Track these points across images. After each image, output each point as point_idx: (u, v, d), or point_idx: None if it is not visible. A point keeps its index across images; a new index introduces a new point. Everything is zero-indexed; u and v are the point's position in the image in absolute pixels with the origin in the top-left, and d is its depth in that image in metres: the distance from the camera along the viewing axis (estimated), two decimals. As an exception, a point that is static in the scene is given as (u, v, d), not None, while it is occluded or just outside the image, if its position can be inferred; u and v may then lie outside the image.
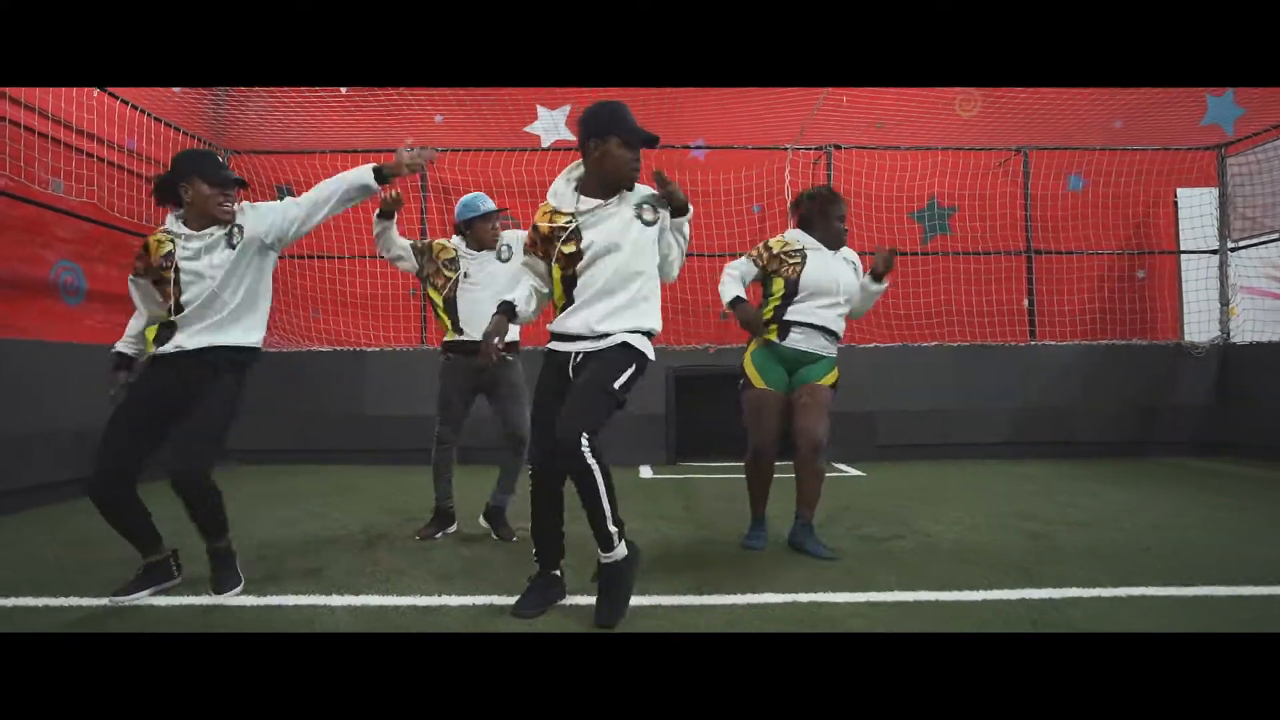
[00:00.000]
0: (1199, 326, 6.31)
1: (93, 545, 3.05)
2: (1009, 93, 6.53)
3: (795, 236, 3.03)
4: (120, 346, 2.55)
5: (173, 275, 2.34)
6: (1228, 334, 6.18)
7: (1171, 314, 6.63)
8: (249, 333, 2.44)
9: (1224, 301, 6.22)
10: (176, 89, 5.92)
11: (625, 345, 2.13)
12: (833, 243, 3.00)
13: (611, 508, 2.07)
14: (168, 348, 2.37)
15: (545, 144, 6.68)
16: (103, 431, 2.35)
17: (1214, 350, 6.13)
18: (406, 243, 3.31)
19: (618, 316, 2.14)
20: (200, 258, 2.35)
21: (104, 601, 2.29)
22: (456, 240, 3.31)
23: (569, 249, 2.15)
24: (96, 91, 4.83)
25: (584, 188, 2.20)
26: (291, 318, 6.47)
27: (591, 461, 2.01)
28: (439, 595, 2.37)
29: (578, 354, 2.17)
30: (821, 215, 2.99)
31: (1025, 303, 6.44)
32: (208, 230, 2.38)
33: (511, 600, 2.24)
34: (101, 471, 2.29)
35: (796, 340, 2.93)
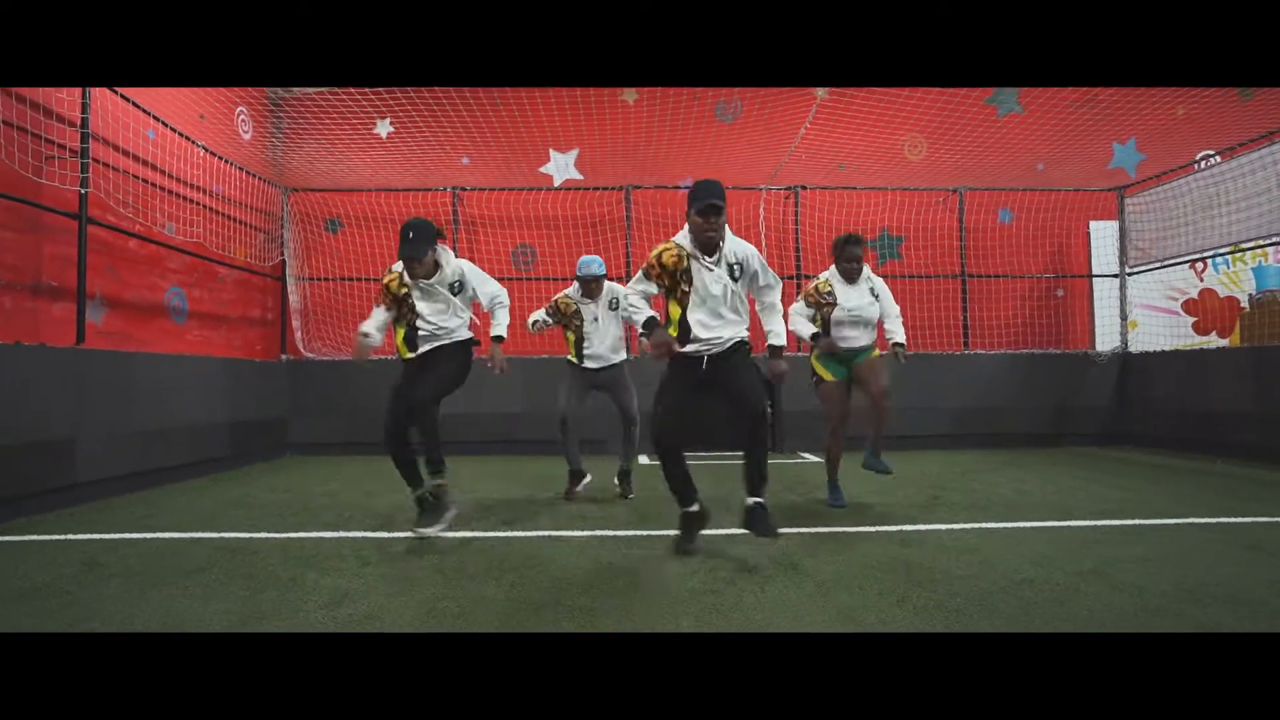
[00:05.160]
0: (1107, 338, 7.53)
1: (245, 503, 4.17)
2: (950, 139, 7.77)
3: (828, 277, 4.15)
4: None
5: None
6: (1126, 344, 7.40)
7: (1084, 327, 7.85)
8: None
9: (1123, 317, 7.45)
10: (246, 136, 7.03)
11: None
12: (849, 278, 4.11)
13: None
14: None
15: (556, 183, 7.82)
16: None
17: (1115, 358, 7.34)
18: (544, 315, 4.58)
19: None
20: None
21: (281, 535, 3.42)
22: (574, 290, 4.52)
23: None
24: (202, 152, 5.93)
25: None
26: (341, 331, 7.57)
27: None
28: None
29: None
30: (835, 259, 4.14)
31: (961, 317, 7.63)
32: None
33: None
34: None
35: (845, 342, 4.11)
